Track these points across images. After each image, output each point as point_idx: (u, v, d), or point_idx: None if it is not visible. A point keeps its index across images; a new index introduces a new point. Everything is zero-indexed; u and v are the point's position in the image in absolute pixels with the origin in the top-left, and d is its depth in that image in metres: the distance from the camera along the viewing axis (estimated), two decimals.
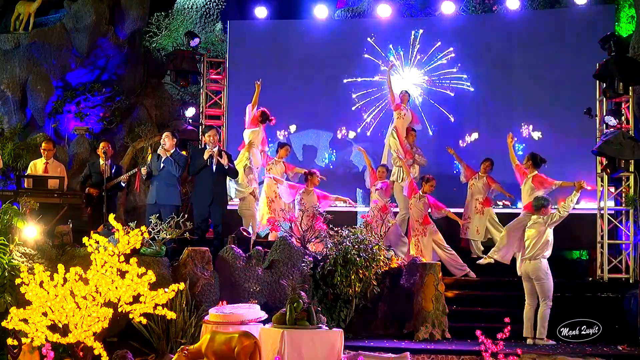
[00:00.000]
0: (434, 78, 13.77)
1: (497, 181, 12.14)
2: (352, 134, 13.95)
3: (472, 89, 13.59)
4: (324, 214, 10.78)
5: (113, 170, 11.23)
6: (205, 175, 10.72)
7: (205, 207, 10.71)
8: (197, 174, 10.84)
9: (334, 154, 13.99)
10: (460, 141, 13.51)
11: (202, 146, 11.54)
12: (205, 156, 10.68)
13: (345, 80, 13.98)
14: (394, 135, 12.56)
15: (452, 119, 13.64)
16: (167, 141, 10.79)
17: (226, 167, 10.74)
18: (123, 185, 11.20)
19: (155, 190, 10.73)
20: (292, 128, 14.03)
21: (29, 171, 11.22)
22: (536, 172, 10.87)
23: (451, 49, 13.70)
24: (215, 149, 10.76)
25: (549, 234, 9.81)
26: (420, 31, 13.92)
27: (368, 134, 13.85)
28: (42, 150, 11.36)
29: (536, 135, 13.23)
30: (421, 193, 11.51)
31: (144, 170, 10.76)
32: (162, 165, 10.71)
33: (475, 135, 13.53)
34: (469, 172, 12.34)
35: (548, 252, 9.81)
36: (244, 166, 11.70)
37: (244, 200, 11.75)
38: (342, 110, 14.02)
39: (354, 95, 13.94)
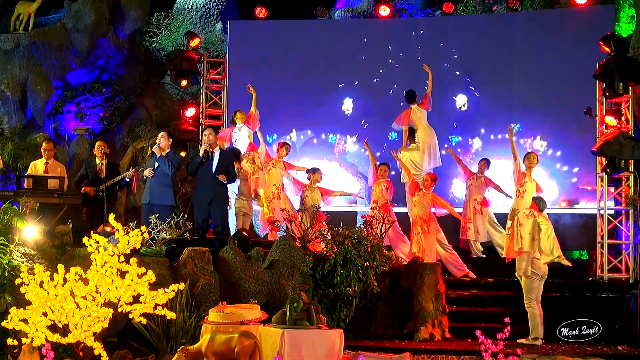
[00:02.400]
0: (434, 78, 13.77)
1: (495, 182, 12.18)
2: (352, 135, 13.95)
3: (476, 94, 13.57)
4: (325, 214, 10.79)
5: (110, 170, 11.19)
6: (205, 176, 10.72)
7: (204, 207, 10.70)
8: (195, 173, 10.84)
9: (334, 153, 13.99)
10: (460, 149, 13.48)
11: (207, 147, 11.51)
12: (201, 153, 10.68)
13: (342, 85, 13.96)
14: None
15: (453, 123, 13.66)
16: (162, 141, 10.80)
17: (225, 182, 10.75)
18: (128, 180, 11.15)
19: (149, 189, 10.73)
20: (291, 137, 13.99)
21: (29, 171, 11.20)
22: None
23: (453, 50, 13.71)
24: (217, 149, 10.75)
25: None
26: (421, 32, 13.94)
27: (368, 134, 13.84)
28: (42, 150, 11.34)
29: (538, 144, 13.20)
30: (424, 190, 11.51)
31: (148, 172, 10.72)
32: (156, 164, 10.72)
33: (477, 143, 13.50)
34: (467, 172, 12.34)
35: None
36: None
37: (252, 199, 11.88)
38: (342, 110, 14.01)
39: (352, 98, 13.94)
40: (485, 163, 12.21)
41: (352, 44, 14.09)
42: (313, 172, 11.82)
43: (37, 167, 11.25)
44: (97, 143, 11.29)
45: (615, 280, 11.28)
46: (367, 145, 12.65)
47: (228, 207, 11.42)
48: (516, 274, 9.93)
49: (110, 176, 11.01)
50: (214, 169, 10.67)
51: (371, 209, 11.57)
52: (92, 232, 8.48)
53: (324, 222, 10.58)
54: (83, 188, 11.05)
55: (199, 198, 10.83)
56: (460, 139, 13.56)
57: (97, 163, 11.14)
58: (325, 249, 10.12)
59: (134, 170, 11.06)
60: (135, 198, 13.00)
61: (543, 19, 13.70)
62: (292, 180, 11.97)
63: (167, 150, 10.81)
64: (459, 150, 13.29)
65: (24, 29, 13.16)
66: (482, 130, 13.54)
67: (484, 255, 12.07)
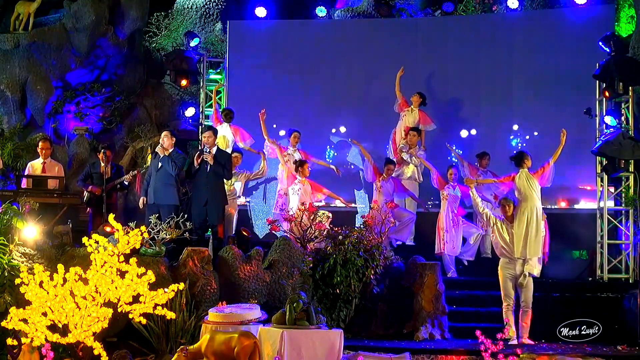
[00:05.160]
0: (434, 78, 13.78)
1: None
2: (352, 134, 13.92)
3: (476, 95, 13.58)
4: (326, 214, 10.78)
5: (113, 171, 11.21)
6: (200, 177, 10.71)
7: (201, 208, 10.67)
8: (194, 175, 10.81)
9: (334, 154, 13.98)
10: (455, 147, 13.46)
11: (202, 147, 11.53)
12: (195, 163, 10.62)
13: (341, 85, 13.95)
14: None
15: (452, 123, 13.65)
16: (165, 140, 10.76)
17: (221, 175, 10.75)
18: (126, 184, 11.17)
19: (153, 189, 10.70)
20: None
21: (27, 172, 11.21)
22: None
23: (453, 50, 13.69)
24: (214, 150, 10.74)
25: None
26: (421, 31, 13.91)
27: (368, 133, 13.82)
28: (39, 150, 11.34)
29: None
30: (451, 183, 11.54)
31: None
32: (159, 164, 10.70)
33: (477, 143, 13.47)
34: (473, 171, 12.15)
35: None
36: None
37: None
38: (341, 110, 14.00)
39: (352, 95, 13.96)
40: (488, 157, 12.10)
41: (352, 44, 14.09)
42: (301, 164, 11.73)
43: (35, 167, 11.26)
44: (107, 152, 11.28)
45: (615, 280, 11.28)
46: (358, 143, 12.62)
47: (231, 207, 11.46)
48: (534, 273, 9.79)
49: (113, 177, 11.05)
50: (208, 169, 10.65)
51: (372, 208, 11.50)
52: (92, 232, 8.51)
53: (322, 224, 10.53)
54: (90, 187, 11.05)
55: (196, 198, 10.82)
56: (460, 152, 13.49)
57: (102, 165, 11.15)
58: (325, 248, 10.08)
59: (133, 173, 11.08)
60: (135, 198, 12.97)
61: (543, 19, 13.70)
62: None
63: (171, 150, 10.78)
64: (460, 151, 13.26)
65: (24, 28, 13.15)
66: (482, 130, 13.53)
67: (490, 256, 12.01)
